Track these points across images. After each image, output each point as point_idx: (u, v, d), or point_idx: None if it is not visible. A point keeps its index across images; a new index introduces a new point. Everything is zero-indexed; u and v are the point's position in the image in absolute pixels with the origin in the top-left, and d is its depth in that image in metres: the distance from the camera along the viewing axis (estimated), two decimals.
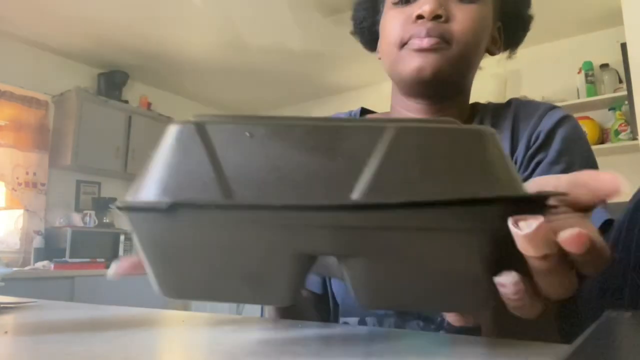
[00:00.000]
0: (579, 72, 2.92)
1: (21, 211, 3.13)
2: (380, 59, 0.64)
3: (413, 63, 0.54)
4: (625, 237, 0.40)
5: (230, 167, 0.24)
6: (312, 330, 0.36)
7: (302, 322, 0.39)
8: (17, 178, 3.10)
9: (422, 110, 0.60)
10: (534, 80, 3.08)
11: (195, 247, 0.25)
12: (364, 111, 0.69)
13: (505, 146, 0.57)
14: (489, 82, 2.90)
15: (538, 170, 0.54)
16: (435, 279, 0.24)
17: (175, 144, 0.25)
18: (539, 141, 0.55)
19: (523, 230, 0.21)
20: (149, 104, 3.77)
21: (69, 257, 2.93)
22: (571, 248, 0.21)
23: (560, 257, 0.22)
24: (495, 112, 0.61)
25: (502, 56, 0.68)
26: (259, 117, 0.25)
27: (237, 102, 4.29)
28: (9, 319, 0.41)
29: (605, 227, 0.46)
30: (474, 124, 0.55)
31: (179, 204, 0.24)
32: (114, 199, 3.04)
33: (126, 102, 3.59)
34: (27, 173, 3.15)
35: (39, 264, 2.86)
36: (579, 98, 2.88)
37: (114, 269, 0.30)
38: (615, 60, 2.78)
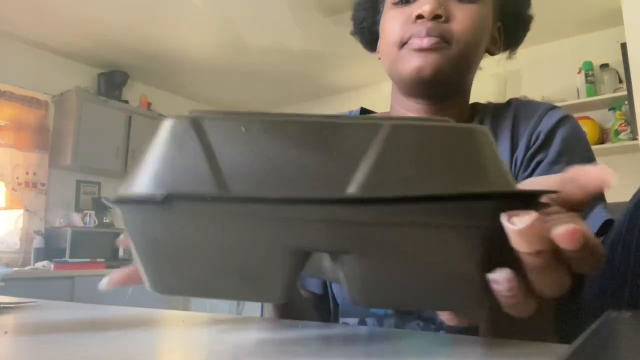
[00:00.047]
0: (579, 72, 2.92)
1: (21, 211, 3.13)
2: (380, 59, 0.64)
3: (413, 63, 0.54)
4: (625, 237, 0.40)
5: (226, 162, 0.24)
6: (312, 330, 0.36)
7: (302, 322, 0.39)
8: (17, 178, 3.10)
9: (422, 110, 0.60)
10: (534, 80, 3.08)
11: (189, 241, 0.24)
12: (364, 111, 0.69)
13: (505, 146, 0.57)
14: (489, 82, 2.90)
15: (538, 171, 0.54)
16: (429, 277, 0.24)
17: (170, 138, 0.25)
18: (539, 141, 0.55)
19: (516, 225, 0.21)
20: (149, 104, 3.77)
21: (69, 257, 2.93)
22: (565, 244, 0.21)
23: (554, 254, 0.22)
24: (495, 112, 0.61)
25: (502, 56, 0.68)
26: (254, 113, 0.25)
27: (237, 102, 4.28)
28: (9, 319, 0.41)
29: (605, 228, 0.46)
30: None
31: (174, 195, 0.23)
32: None
33: (126, 102, 3.58)
34: (27, 173, 3.15)
35: (39, 264, 2.86)
36: (579, 98, 2.88)
37: (107, 280, 0.30)
38: (615, 60, 2.78)
